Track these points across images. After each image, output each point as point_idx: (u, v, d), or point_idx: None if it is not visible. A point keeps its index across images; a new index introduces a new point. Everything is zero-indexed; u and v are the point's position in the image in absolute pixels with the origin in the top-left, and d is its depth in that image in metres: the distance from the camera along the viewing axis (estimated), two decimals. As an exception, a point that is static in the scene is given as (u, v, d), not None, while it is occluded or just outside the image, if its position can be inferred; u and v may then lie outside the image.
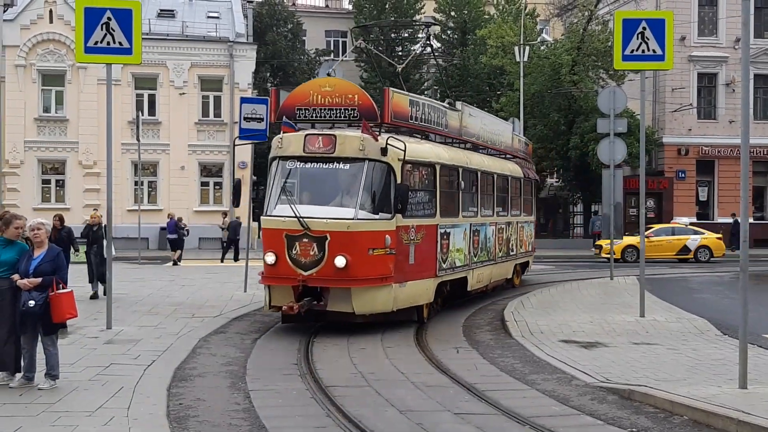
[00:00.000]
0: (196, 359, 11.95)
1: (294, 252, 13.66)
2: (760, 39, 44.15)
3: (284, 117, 14.73)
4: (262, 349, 12.98)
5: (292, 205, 13.84)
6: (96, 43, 13.64)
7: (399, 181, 14.13)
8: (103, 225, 18.29)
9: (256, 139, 20.78)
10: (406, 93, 16.21)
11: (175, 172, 42.04)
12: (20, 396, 9.07)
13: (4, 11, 18.89)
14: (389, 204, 14.04)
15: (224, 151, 41.92)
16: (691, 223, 38.04)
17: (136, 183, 39.80)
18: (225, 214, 36.63)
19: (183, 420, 8.52)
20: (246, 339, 13.80)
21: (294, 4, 50.66)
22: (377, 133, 14.29)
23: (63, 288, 9.51)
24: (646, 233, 37.13)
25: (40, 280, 9.32)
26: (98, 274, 18.59)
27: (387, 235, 13.89)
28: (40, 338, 9.55)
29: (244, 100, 21.50)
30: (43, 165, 41.65)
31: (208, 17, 44.77)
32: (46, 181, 41.78)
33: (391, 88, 15.17)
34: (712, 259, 33.73)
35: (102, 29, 13.63)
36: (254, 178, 28.09)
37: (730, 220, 40.27)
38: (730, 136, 43.10)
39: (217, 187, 42.94)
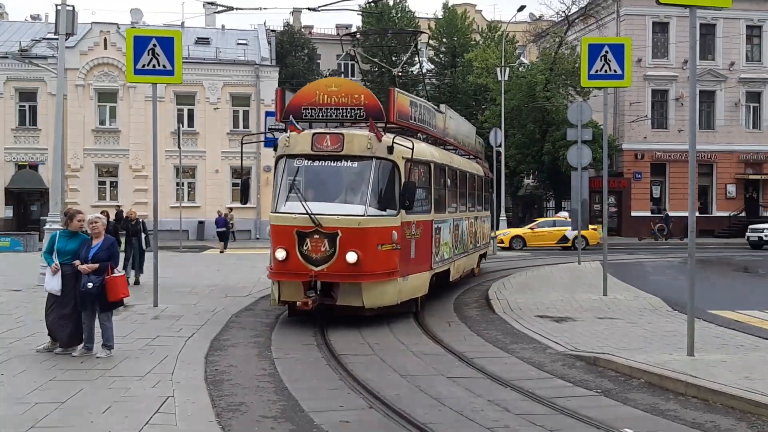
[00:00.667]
0: (229, 332, 11.95)
1: (305, 248, 12.01)
2: (704, 61, 44.06)
3: (290, 116, 13.04)
4: (284, 324, 12.96)
5: (304, 202, 12.14)
6: (143, 66, 13.65)
7: (403, 178, 12.76)
8: (140, 220, 18.16)
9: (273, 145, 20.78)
10: (407, 94, 15.12)
11: (210, 175, 42.24)
12: (81, 363, 9.09)
13: (66, 39, 18.82)
14: (394, 201, 12.66)
15: (252, 156, 41.89)
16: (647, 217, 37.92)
17: (177, 184, 39.91)
18: (230, 209, 38.02)
19: (218, 383, 8.53)
20: (270, 315, 13.79)
21: (310, 33, 50.56)
22: (382, 132, 12.86)
23: (116, 272, 9.57)
24: (531, 225, 37.65)
25: (97, 265, 9.37)
26: (139, 263, 18.44)
27: (393, 231, 12.49)
28: (97, 315, 9.59)
29: (268, 114, 21.56)
30: (99, 169, 41.79)
31: (238, 44, 45.00)
32: (102, 183, 41.92)
33: (396, 89, 13.82)
34: (587, 247, 33.38)
35: (149, 54, 13.64)
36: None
37: (683, 213, 40.21)
38: (679, 143, 43.03)
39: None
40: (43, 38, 41.14)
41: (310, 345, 11.01)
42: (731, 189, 46.16)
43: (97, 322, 9.66)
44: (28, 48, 40.68)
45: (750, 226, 38.84)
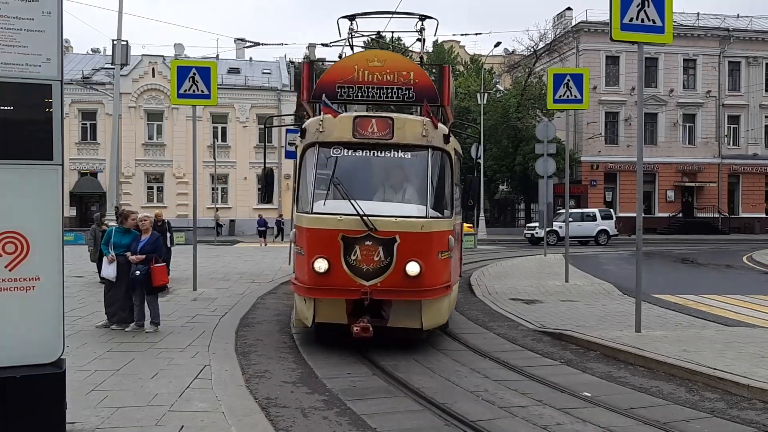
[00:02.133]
0: (256, 312, 11.91)
1: (353, 257, 8.19)
2: (649, 88, 44.00)
3: (323, 96, 9.01)
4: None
5: (353, 201, 8.24)
6: (185, 91, 13.60)
7: (454, 173, 9.30)
8: (166, 221, 16.01)
9: (295, 157, 20.72)
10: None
11: (240, 182, 42.34)
12: (132, 337, 9.05)
13: (121, 69, 18.84)
14: (447, 200, 9.00)
15: (275, 166, 41.92)
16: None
17: (212, 189, 39.92)
18: (217, 209, 38.39)
19: (247, 354, 8.50)
20: (290, 297, 13.61)
21: (323, 63, 50.53)
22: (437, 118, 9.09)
23: (159, 262, 9.56)
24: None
25: (144, 256, 9.36)
26: (166, 260, 16.82)
27: (450, 236, 8.90)
28: (145, 297, 9.57)
29: (289, 131, 21.48)
30: (147, 176, 41.83)
31: (263, 73, 45.00)
32: (150, 188, 41.98)
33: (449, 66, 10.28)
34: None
35: (189, 81, 13.59)
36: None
37: (631, 214, 40.18)
38: (627, 156, 43.07)
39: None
40: (102, 68, 41.17)
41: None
42: (670, 194, 46.20)
43: (146, 304, 9.65)
44: (89, 76, 40.71)
45: (527, 225, 39.14)
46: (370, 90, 9.32)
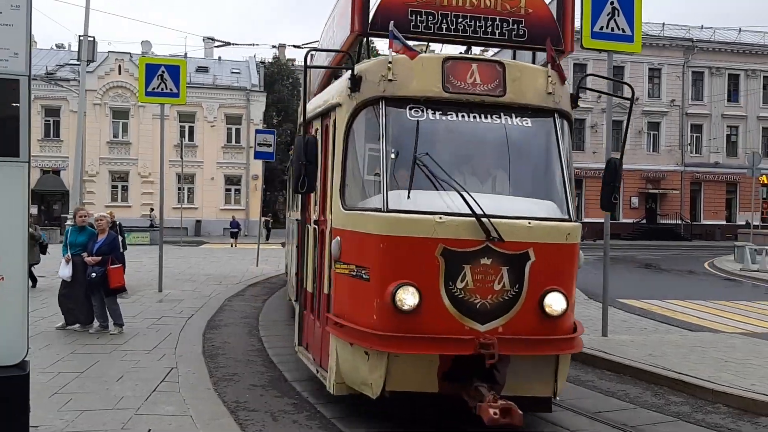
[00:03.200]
0: (223, 314, 11.78)
1: (461, 285, 5.18)
2: (615, 97, 44.59)
3: (391, 25, 5.54)
4: (269, 306, 12.84)
5: (463, 192, 5.26)
6: (153, 88, 13.45)
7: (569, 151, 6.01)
8: (117, 222, 13.66)
9: (266, 158, 20.65)
10: None
11: (207, 182, 41.92)
12: (97, 339, 8.89)
13: (87, 65, 18.53)
14: (570, 193, 5.78)
15: (242, 166, 41.80)
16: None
17: (179, 189, 39.45)
18: (152, 209, 37.81)
19: (214, 356, 8.40)
20: (258, 299, 13.65)
21: (293, 64, 50.26)
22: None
23: (116, 264, 9.38)
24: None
25: (100, 258, 9.19)
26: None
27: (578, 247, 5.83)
28: (104, 299, 9.38)
29: (258, 131, 21.51)
30: (112, 175, 41.18)
31: (232, 72, 44.67)
32: (114, 187, 41.34)
33: None
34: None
35: (158, 79, 13.46)
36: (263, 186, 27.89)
37: (597, 220, 40.71)
38: (593, 162, 43.63)
39: (236, 192, 42.73)
40: (67, 63, 40.49)
41: (292, 325, 10.82)
42: (635, 200, 46.97)
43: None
44: (53, 72, 39.92)
45: None
46: (459, 20, 5.92)
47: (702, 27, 49.64)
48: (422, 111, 5.54)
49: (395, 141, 5.51)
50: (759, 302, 15.26)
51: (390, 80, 5.57)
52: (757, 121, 48.60)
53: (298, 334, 7.22)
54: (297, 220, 8.65)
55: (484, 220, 5.15)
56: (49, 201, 41.23)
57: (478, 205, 5.19)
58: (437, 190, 5.32)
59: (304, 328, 7.00)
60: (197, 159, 41.57)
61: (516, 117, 5.70)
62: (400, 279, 5.10)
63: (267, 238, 33.95)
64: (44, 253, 14.52)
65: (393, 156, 5.47)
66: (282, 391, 6.88)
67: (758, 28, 52.62)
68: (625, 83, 7.30)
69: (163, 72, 13.53)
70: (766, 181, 37.10)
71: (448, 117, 5.57)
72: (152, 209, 37.74)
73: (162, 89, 13.53)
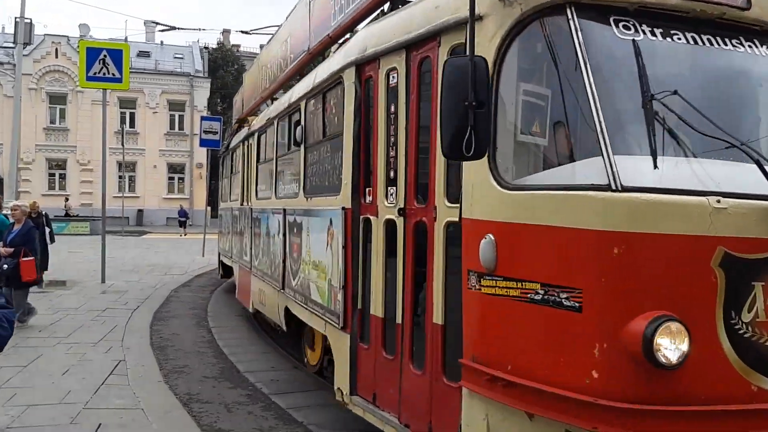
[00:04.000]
0: (170, 305, 11.58)
1: (750, 317, 2.94)
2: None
3: None
4: (218, 298, 12.69)
5: (759, 159, 3.05)
6: (95, 73, 13.14)
7: None
8: (43, 213, 13.06)
9: (211, 145, 20.34)
10: None
11: (149, 170, 41.05)
12: (39, 332, 8.63)
13: (24, 48, 17.92)
14: None
15: (186, 154, 41.13)
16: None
17: (120, 177, 38.49)
18: (67, 198, 37.21)
19: (163, 348, 8.24)
20: (205, 290, 13.47)
21: (238, 51, 49.50)
22: None
23: (29, 256, 8.96)
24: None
25: (12, 249, 8.87)
26: (41, 261, 10.78)
27: None
28: (13, 292, 8.79)
29: (204, 119, 21.16)
30: (49, 162, 39.95)
31: (175, 57, 43.80)
32: (51, 175, 40.12)
33: None
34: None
35: (99, 63, 13.15)
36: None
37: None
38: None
39: (180, 181, 41.98)
40: (1, 46, 38.90)
41: (242, 316, 10.78)
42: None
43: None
44: (-15, 54, 38.41)
45: None
46: None
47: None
48: (634, 27, 3.33)
49: (601, 71, 3.21)
50: None
51: None
52: None
53: (351, 378, 4.96)
54: (282, 209, 7.15)
55: None
56: (-20, 189, 39.79)
57: None
58: (694, 156, 3.16)
59: (364, 370, 4.84)
60: (139, 146, 40.66)
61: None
62: (653, 309, 2.91)
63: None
64: None
65: (611, 96, 3.17)
66: (235, 383, 6.82)
67: None
68: None
69: (104, 56, 13.22)
70: None
71: (675, 38, 3.39)
72: (67, 198, 36.83)
73: (104, 74, 13.21)
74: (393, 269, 4.43)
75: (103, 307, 10.57)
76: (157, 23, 22.08)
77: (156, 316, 10.37)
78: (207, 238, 20.32)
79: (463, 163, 3.50)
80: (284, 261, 6.97)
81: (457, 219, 3.65)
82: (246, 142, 10.36)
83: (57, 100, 39.92)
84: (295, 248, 6.58)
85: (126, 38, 42.53)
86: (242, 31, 22.40)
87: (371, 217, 4.73)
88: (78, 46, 14.44)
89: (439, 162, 3.88)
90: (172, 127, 41.70)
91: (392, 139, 4.45)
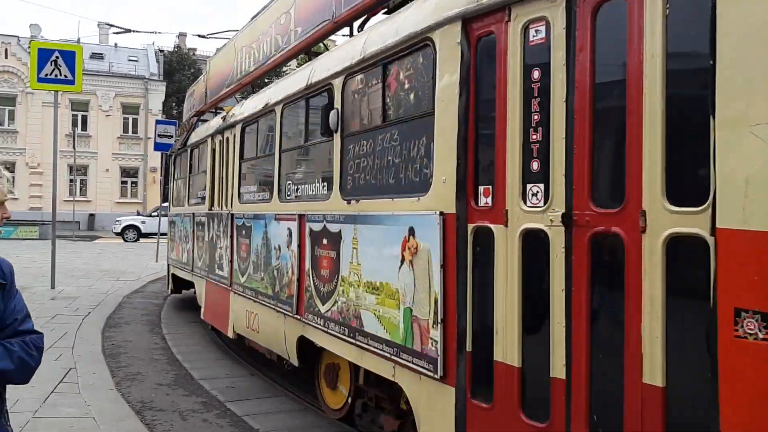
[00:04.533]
0: (122, 311, 11.36)
1: None
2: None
3: None
4: (171, 304, 12.49)
5: None
6: (47, 75, 12.86)
7: None
8: None
9: (166, 149, 20.05)
10: None
11: (101, 174, 40.16)
12: (-15, 339, 8.38)
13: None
14: None
15: (140, 158, 40.40)
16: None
17: (71, 181, 37.61)
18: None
19: (115, 356, 8.09)
20: (159, 297, 13.25)
21: (194, 54, 48.97)
22: None
23: None
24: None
25: None
26: None
27: None
28: None
29: (158, 122, 20.77)
30: (-4, 165, 38.81)
31: (129, 60, 43.05)
32: (-2, 177, 38.92)
33: None
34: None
35: (51, 65, 12.88)
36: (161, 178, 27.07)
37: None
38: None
39: (133, 185, 41.23)
40: (-55, 45, 37.76)
41: (196, 323, 10.62)
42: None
43: None
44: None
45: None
46: None
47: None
48: None
49: None
50: None
51: None
52: None
53: None
54: (296, 215, 5.78)
55: None
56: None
57: None
58: None
59: None
60: (91, 150, 39.79)
61: None
62: None
63: None
64: None
65: None
66: (189, 390, 6.74)
67: None
68: None
69: (57, 57, 12.95)
70: None
71: None
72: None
73: (56, 75, 12.94)
74: (538, 299, 3.23)
75: (52, 314, 10.31)
76: (112, 25, 21.78)
77: (108, 323, 10.16)
78: (161, 243, 20.00)
79: (721, 142, 2.39)
80: (300, 279, 5.69)
81: (692, 231, 2.53)
82: (219, 137, 8.87)
83: (6, 101, 38.81)
84: (325, 264, 5.22)
85: (79, 39, 41.82)
86: (199, 35, 22.20)
87: (492, 226, 3.45)
88: (29, 47, 14.12)
89: (653, 141, 2.70)
90: (125, 130, 40.93)
91: (537, 117, 3.23)
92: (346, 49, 5.23)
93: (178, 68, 46.02)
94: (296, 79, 6.24)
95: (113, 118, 40.51)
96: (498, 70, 3.47)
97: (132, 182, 41.32)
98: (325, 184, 5.42)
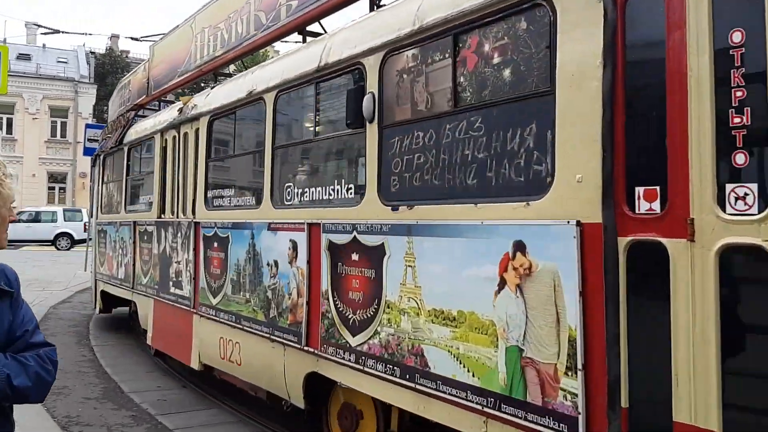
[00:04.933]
0: (48, 323, 10.98)
1: None
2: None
3: None
4: (100, 316, 12.10)
5: None
6: (-31, 76, 12.31)
7: None
8: None
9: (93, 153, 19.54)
10: None
11: (27, 179, 38.67)
12: None
13: None
14: None
15: (68, 163, 39.16)
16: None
17: (-6, 185, 36.17)
18: None
19: (40, 369, 7.80)
20: (87, 307, 12.82)
21: (127, 57, 47.86)
22: None
23: None
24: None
25: None
26: None
27: None
28: None
29: (88, 126, 20.27)
30: None
31: (58, 61, 41.80)
32: None
33: None
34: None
35: (-26, 65, 12.34)
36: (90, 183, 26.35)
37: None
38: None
39: (61, 191, 39.96)
40: None
41: (124, 335, 10.35)
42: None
43: None
44: None
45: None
46: None
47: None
48: None
49: None
50: None
51: None
52: None
53: None
54: (305, 223, 4.81)
55: None
56: None
57: None
58: None
59: None
60: (16, 154, 38.32)
61: None
62: None
63: None
64: None
65: None
66: (119, 404, 6.56)
67: None
68: None
69: (-20, 58, 12.44)
70: None
71: None
72: None
73: (-21, 77, 12.43)
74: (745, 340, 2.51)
75: (-28, 326, 9.87)
76: (40, 25, 21.03)
77: (33, 335, 9.78)
78: (89, 252, 19.42)
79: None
80: (312, 303, 4.71)
81: None
82: (172, 133, 7.59)
83: (-77, 102, 37.16)
84: (356, 285, 4.26)
85: (5, 40, 40.29)
86: (131, 38, 21.72)
87: (665, 241, 2.62)
88: (-51, 46, 13.54)
89: None
90: (53, 134, 39.66)
91: (740, 94, 2.41)
92: (384, 19, 4.30)
93: (111, 71, 44.90)
94: (298, 59, 5.22)
95: (41, 121, 39.22)
96: (669, 30, 2.62)
97: (60, 188, 40.04)
98: (351, 186, 4.50)
